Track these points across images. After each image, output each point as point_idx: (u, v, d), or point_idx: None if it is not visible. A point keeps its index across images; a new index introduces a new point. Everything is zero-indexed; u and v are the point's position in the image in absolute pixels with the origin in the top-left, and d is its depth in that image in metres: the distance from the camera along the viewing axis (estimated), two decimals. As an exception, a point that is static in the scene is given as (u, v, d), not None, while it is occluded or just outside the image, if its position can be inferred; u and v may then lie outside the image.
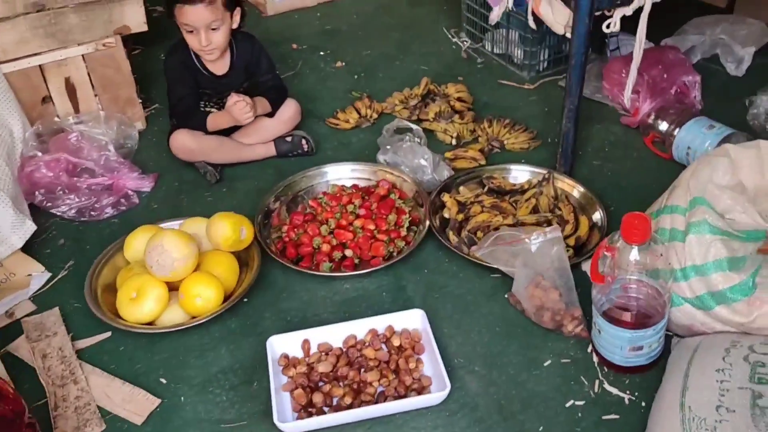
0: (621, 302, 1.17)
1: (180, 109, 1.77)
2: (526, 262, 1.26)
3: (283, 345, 1.30)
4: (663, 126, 1.76)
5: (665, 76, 1.88)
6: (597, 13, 1.51)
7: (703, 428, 0.97)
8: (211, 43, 1.67)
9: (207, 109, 1.81)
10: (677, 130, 1.71)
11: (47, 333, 1.39)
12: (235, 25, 1.74)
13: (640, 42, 1.46)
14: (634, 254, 1.11)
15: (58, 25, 1.80)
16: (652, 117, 1.80)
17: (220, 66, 1.79)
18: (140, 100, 2.02)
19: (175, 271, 1.33)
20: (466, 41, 2.39)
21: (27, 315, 1.44)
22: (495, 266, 1.37)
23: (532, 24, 1.76)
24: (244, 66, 1.81)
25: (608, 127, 1.93)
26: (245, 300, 1.44)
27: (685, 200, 1.20)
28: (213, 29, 1.66)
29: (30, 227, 1.52)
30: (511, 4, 1.71)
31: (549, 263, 1.23)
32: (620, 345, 1.19)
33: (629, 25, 1.57)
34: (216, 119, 1.77)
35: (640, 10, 1.44)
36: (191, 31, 1.66)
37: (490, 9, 1.93)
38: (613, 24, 1.45)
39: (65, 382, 1.29)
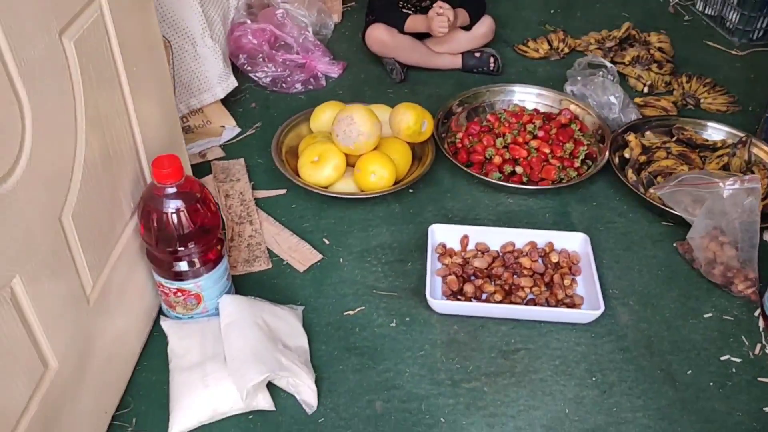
0: (811, 268, 1.10)
1: (382, 2, 1.82)
2: (710, 210, 1.20)
3: (443, 234, 1.34)
4: None
5: None
6: None
7: None
8: None
9: (404, 10, 1.85)
10: None
11: (231, 178, 1.52)
12: None
13: None
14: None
15: None
16: None
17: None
18: (341, -6, 2.10)
19: (357, 144, 1.40)
20: (676, -3, 2.26)
21: (216, 159, 1.57)
22: (673, 209, 1.32)
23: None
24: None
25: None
26: (411, 191, 1.50)
27: None
28: None
29: (232, 82, 1.65)
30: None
31: (737, 214, 1.17)
32: (797, 311, 1.12)
33: None
34: (414, 21, 1.81)
35: None
36: None
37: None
38: None
39: (242, 221, 1.41)
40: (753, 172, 1.44)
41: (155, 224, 1.04)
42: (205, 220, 1.07)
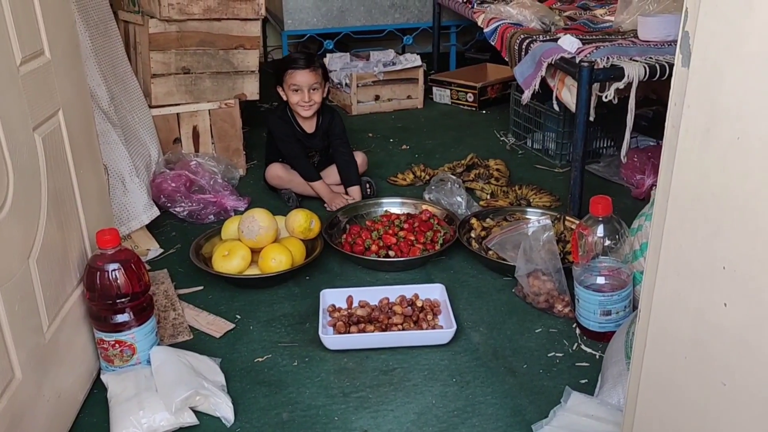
0: (595, 275, 1.50)
1: (294, 155, 2.28)
2: (524, 249, 1.62)
3: (332, 297, 1.68)
4: (662, 193, 2.12)
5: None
6: (599, 94, 1.96)
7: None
8: (311, 100, 2.22)
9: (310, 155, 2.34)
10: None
11: (157, 282, 1.82)
12: (325, 94, 2.29)
13: (630, 110, 1.89)
14: (600, 230, 1.46)
15: (197, 85, 2.41)
16: (654, 188, 2.17)
17: (310, 126, 2.33)
18: (244, 152, 2.57)
19: (259, 236, 1.77)
20: (512, 139, 2.88)
21: (143, 271, 1.88)
22: (503, 256, 1.74)
23: (556, 107, 2.22)
24: (325, 129, 2.34)
25: (621, 199, 2.31)
26: (307, 277, 1.85)
27: (648, 208, 1.57)
28: (313, 89, 2.22)
29: (155, 212, 2.01)
30: (537, 86, 2.19)
31: (541, 245, 1.59)
32: (593, 309, 1.51)
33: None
34: (318, 187, 2.26)
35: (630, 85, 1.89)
36: (297, 90, 2.21)
37: (534, 115, 2.42)
38: (609, 95, 1.90)
39: (167, 309, 1.70)
40: (566, 237, 1.89)
41: (98, 282, 1.34)
42: (138, 280, 1.38)
